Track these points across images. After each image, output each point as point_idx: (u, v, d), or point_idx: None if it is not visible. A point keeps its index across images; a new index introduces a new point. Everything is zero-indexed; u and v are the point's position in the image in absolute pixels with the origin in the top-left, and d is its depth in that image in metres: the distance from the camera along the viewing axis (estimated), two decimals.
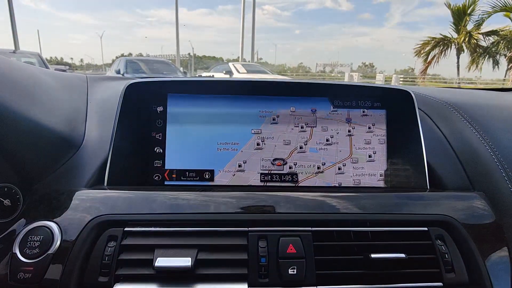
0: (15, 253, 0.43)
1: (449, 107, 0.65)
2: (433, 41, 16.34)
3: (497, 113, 0.66)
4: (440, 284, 0.44)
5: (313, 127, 0.56)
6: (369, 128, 0.57)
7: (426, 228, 0.47)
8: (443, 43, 16.20)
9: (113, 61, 9.04)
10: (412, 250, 0.45)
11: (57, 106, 0.56)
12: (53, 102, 0.55)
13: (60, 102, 0.58)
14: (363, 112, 0.57)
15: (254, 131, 0.55)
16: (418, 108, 0.59)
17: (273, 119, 0.56)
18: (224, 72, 9.10)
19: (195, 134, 0.55)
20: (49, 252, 0.43)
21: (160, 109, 0.55)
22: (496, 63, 15.29)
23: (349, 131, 0.56)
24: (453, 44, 16.11)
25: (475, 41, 15.46)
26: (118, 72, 6.87)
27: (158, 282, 0.43)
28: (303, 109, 0.56)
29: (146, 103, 0.55)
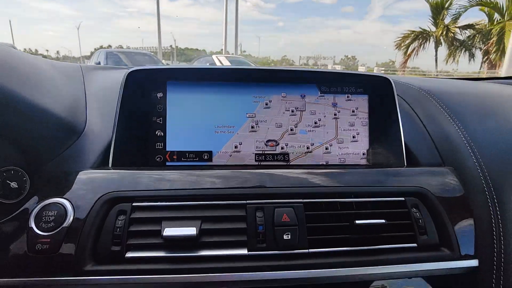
0: (31, 227, 0.46)
1: (425, 94, 0.72)
2: (412, 35, 16.73)
3: (467, 99, 0.73)
4: (414, 245, 0.51)
5: (303, 111, 0.61)
6: (353, 111, 0.62)
7: (403, 198, 0.54)
8: (422, 36, 16.62)
9: (92, 53, 8.80)
10: (391, 217, 0.51)
11: (58, 93, 0.58)
12: (53, 89, 0.58)
13: (60, 89, 0.60)
14: (348, 97, 0.63)
15: (249, 115, 0.60)
16: (397, 95, 0.65)
17: (266, 104, 0.60)
18: (207, 64, 9.05)
19: (193, 118, 0.59)
20: (64, 225, 0.46)
21: (160, 95, 0.59)
22: (471, 56, 15.86)
23: (335, 114, 0.62)
24: (431, 37, 16.55)
25: (452, 34, 15.94)
26: (98, 64, 6.70)
27: (166, 250, 0.47)
28: (293, 94, 0.61)
29: (147, 89, 0.59)
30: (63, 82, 0.63)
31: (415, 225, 0.52)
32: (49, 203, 0.47)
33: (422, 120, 0.67)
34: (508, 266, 0.50)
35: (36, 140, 0.52)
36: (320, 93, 0.62)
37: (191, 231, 0.47)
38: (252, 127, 0.60)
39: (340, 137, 0.61)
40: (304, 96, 0.61)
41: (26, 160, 0.52)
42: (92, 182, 0.51)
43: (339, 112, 0.62)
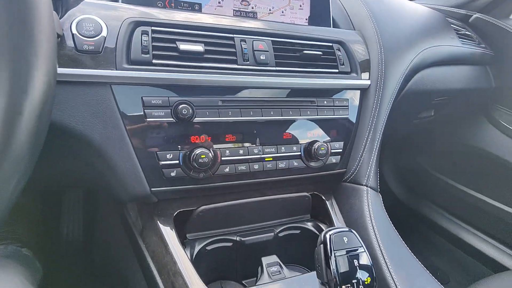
0: (75, 33, 0.59)
1: None
2: None
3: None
4: (336, 70, 0.81)
5: None
6: None
7: (331, 44, 0.83)
8: None
9: None
10: (324, 52, 0.80)
11: None
12: None
13: None
14: None
15: None
16: None
17: None
18: None
19: None
20: (102, 34, 0.60)
21: None
22: None
23: None
24: None
25: None
26: None
27: (182, 59, 0.66)
28: None
29: None
30: None
31: (337, 59, 0.82)
32: (85, 18, 0.60)
33: (345, 7, 0.97)
34: (383, 82, 0.86)
35: None
36: None
37: (199, 48, 0.67)
38: None
39: (291, 4, 0.85)
40: None
41: None
42: (113, 9, 0.64)
43: None
